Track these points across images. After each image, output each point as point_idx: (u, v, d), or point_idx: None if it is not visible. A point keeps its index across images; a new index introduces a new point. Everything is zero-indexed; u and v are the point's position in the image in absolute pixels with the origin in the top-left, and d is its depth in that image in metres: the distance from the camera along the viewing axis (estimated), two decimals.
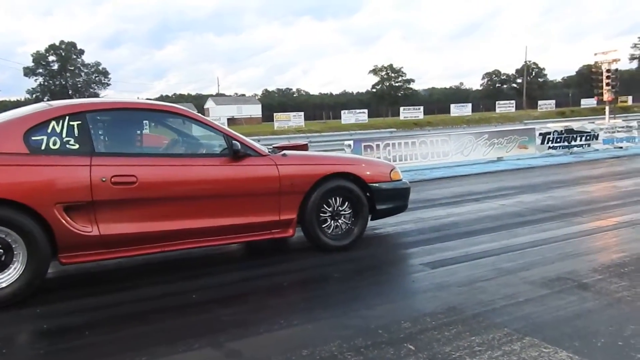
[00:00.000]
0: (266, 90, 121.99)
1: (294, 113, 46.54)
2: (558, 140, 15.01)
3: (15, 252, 4.04)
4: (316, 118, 62.44)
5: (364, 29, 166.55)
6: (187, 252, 5.30)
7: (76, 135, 4.36)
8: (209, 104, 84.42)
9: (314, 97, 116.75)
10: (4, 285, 4.01)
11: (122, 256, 4.61)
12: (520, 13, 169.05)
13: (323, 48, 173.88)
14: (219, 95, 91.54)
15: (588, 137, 15.50)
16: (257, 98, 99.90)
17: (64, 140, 4.31)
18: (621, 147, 15.73)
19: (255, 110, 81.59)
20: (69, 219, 4.20)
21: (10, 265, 4.04)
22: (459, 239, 5.69)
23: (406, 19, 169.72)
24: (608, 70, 17.95)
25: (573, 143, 15.22)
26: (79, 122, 4.41)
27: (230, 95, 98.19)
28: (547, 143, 14.86)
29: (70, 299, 4.29)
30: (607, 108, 18.51)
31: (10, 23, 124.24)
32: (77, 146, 4.34)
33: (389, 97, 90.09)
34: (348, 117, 46.10)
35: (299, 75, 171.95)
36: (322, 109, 76.72)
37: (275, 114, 46.69)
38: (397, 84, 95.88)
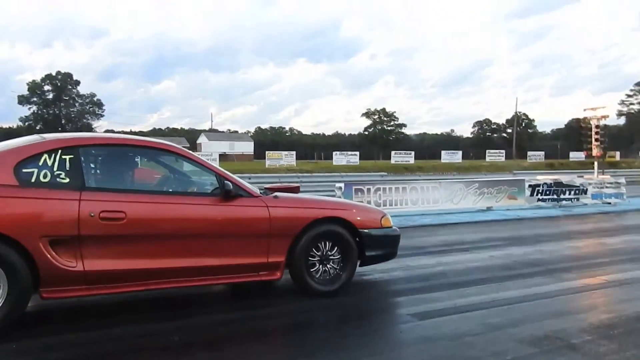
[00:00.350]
0: (259, 127, 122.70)
1: (286, 152, 46.67)
2: (547, 192, 15.13)
3: None
4: (308, 158, 62.75)
5: (358, 73, 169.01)
6: (172, 291, 5.20)
7: (67, 169, 4.33)
8: (202, 139, 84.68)
9: (306, 137, 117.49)
10: None
11: (105, 293, 4.51)
12: (511, 65, 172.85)
13: (317, 89, 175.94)
14: (211, 130, 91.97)
15: (577, 192, 15.63)
16: (249, 135, 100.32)
17: (55, 173, 4.28)
18: (609, 203, 15.86)
19: (247, 147, 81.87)
20: (53, 253, 4.12)
21: None
22: (448, 290, 5.64)
23: (399, 66, 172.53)
24: (597, 126, 18.22)
25: (562, 196, 15.34)
26: (72, 156, 4.38)
27: (223, 132, 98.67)
28: (537, 195, 14.97)
29: (48, 334, 4.18)
30: (595, 163, 18.72)
31: (9, 52, 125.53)
32: (67, 180, 4.30)
33: (380, 141, 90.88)
34: (339, 158, 46.27)
35: (292, 115, 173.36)
36: (313, 148, 77.26)
37: (267, 152, 46.77)
38: (389, 128, 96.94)
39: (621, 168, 39.03)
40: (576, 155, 52.29)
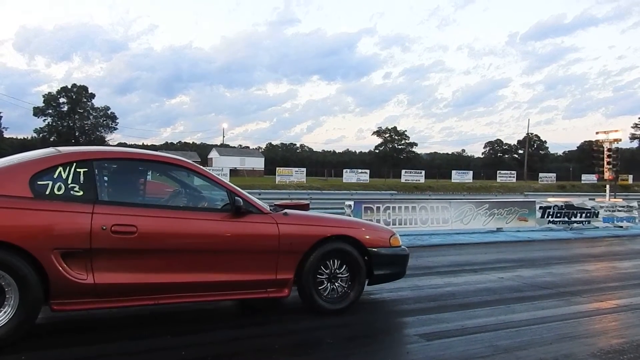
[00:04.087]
0: (270, 144, 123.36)
1: (296, 168, 46.83)
2: (558, 215, 15.04)
3: (7, 296, 3.99)
4: (318, 175, 62.79)
5: (371, 91, 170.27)
6: (179, 306, 5.22)
7: (81, 182, 4.39)
8: (213, 154, 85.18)
9: (317, 154, 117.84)
10: None
11: (114, 306, 4.54)
12: (525, 87, 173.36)
13: (329, 107, 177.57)
14: (223, 146, 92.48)
15: (588, 214, 15.53)
16: (260, 151, 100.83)
17: (69, 186, 4.33)
18: (621, 227, 15.73)
19: (258, 163, 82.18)
20: (65, 265, 4.16)
21: (1, 309, 3.98)
22: (456, 311, 5.61)
23: (413, 85, 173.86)
24: (609, 149, 18.14)
25: (573, 219, 15.25)
26: (86, 169, 4.44)
27: (234, 147, 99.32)
28: (547, 217, 14.89)
29: (56, 347, 4.20)
30: (607, 186, 18.59)
31: (28, 65, 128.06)
32: (81, 193, 4.35)
33: (391, 159, 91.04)
34: (350, 175, 46.37)
35: (304, 132, 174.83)
36: (324, 166, 77.30)
37: (277, 168, 46.95)
38: (400, 147, 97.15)
39: (634, 192, 38.75)
40: (588, 178, 52.00)
